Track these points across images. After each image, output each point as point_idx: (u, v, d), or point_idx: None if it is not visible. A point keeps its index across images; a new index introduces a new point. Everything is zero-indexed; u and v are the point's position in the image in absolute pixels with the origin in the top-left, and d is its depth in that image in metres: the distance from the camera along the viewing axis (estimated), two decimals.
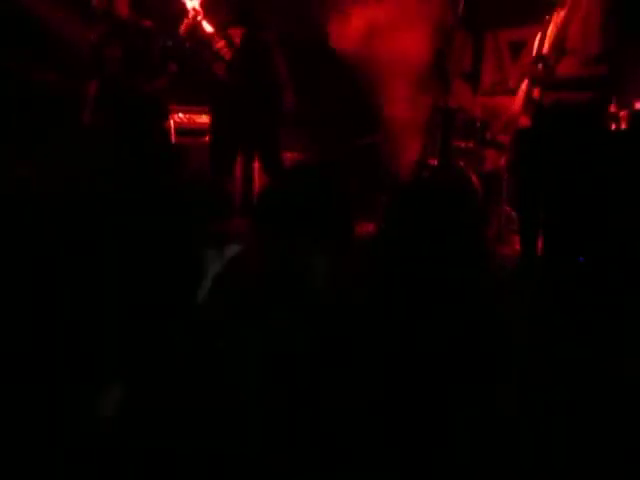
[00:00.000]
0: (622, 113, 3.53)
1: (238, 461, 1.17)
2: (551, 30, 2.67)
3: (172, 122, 4.07)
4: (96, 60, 3.49)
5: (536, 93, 2.75)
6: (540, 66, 2.66)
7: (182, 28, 3.40)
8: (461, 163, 4.05)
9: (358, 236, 1.82)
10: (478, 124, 4.11)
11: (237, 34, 3.55)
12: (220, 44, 3.45)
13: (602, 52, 2.48)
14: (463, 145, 4.20)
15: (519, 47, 4.69)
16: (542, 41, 2.71)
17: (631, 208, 2.92)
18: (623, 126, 3.46)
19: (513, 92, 3.24)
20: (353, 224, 1.69)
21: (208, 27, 3.44)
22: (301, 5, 4.08)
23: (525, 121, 2.81)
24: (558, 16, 2.63)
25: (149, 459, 1.16)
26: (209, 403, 1.21)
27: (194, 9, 3.39)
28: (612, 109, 3.50)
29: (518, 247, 3.08)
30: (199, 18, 3.39)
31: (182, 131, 4.16)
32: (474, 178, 3.87)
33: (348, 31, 3.77)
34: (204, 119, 4.09)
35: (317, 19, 3.82)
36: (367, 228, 2.79)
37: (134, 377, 1.27)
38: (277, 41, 3.65)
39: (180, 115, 4.14)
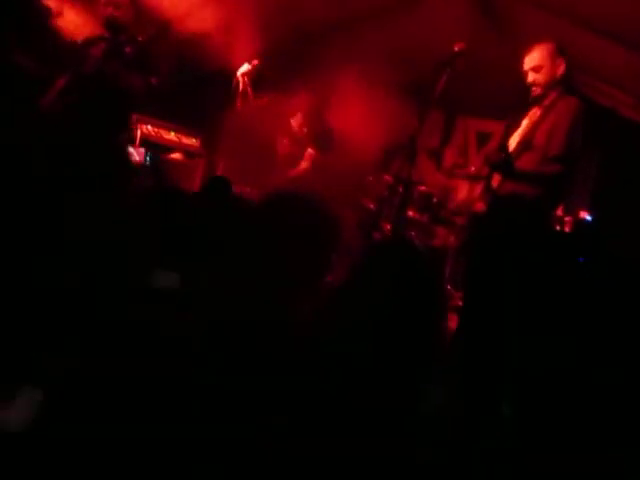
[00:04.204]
0: (567, 218, 3.76)
1: None
2: (525, 125, 2.85)
3: (139, 132, 4.01)
4: (77, 56, 3.46)
5: (495, 181, 2.90)
6: (502, 155, 2.82)
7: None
8: (412, 233, 4.17)
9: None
10: (435, 200, 4.26)
11: None
12: None
13: (561, 154, 2.66)
14: (417, 217, 4.34)
15: (485, 138, 4.97)
16: (508, 132, 2.89)
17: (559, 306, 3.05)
18: (566, 229, 3.68)
19: (472, 178, 3.41)
20: None
21: None
22: None
23: (480, 206, 2.95)
24: (534, 114, 2.82)
25: None
26: None
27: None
28: (559, 212, 3.73)
29: (454, 325, 3.14)
30: None
31: (147, 143, 4.09)
32: (421, 249, 3.98)
33: None
34: (172, 136, 4.07)
35: None
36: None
37: None
38: None
39: (149, 127, 4.08)
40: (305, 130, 4.22)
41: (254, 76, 4.17)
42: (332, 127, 4.28)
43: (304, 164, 4.25)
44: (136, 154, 3.74)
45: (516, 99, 3.02)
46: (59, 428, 1.12)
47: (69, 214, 1.49)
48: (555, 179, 2.72)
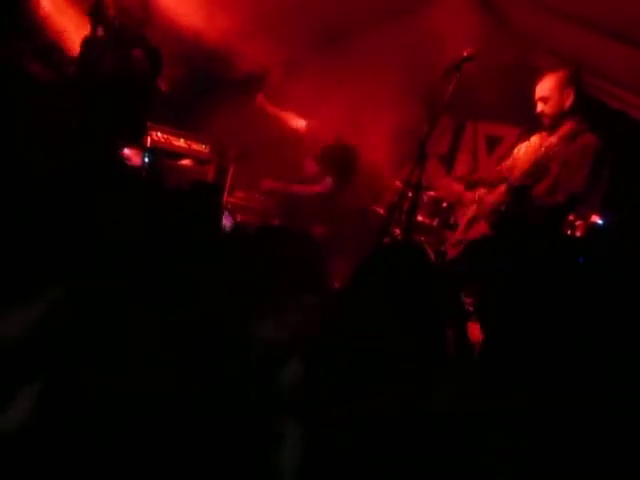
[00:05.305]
0: (578, 222, 3.72)
1: None
2: (536, 145, 2.87)
3: (148, 139, 4.01)
4: (87, 62, 3.49)
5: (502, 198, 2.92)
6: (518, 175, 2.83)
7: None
8: (422, 238, 4.15)
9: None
10: (444, 205, 4.25)
11: None
12: None
13: (577, 192, 2.69)
14: (427, 222, 4.32)
15: (495, 141, 4.95)
16: (519, 142, 2.90)
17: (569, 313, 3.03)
18: (578, 234, 3.65)
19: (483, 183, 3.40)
20: None
21: None
22: None
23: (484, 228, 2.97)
24: (550, 143, 2.82)
25: None
26: None
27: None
28: (570, 217, 3.70)
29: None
30: None
31: (157, 150, 4.10)
32: (431, 254, 3.96)
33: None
34: (182, 143, 4.08)
35: None
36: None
37: None
38: None
39: (158, 134, 4.08)
40: (324, 164, 4.26)
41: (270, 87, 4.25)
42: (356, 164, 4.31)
43: (318, 188, 4.28)
44: (134, 157, 3.74)
45: (523, 104, 3.02)
46: (58, 428, 1.12)
47: (68, 213, 1.50)
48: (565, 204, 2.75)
